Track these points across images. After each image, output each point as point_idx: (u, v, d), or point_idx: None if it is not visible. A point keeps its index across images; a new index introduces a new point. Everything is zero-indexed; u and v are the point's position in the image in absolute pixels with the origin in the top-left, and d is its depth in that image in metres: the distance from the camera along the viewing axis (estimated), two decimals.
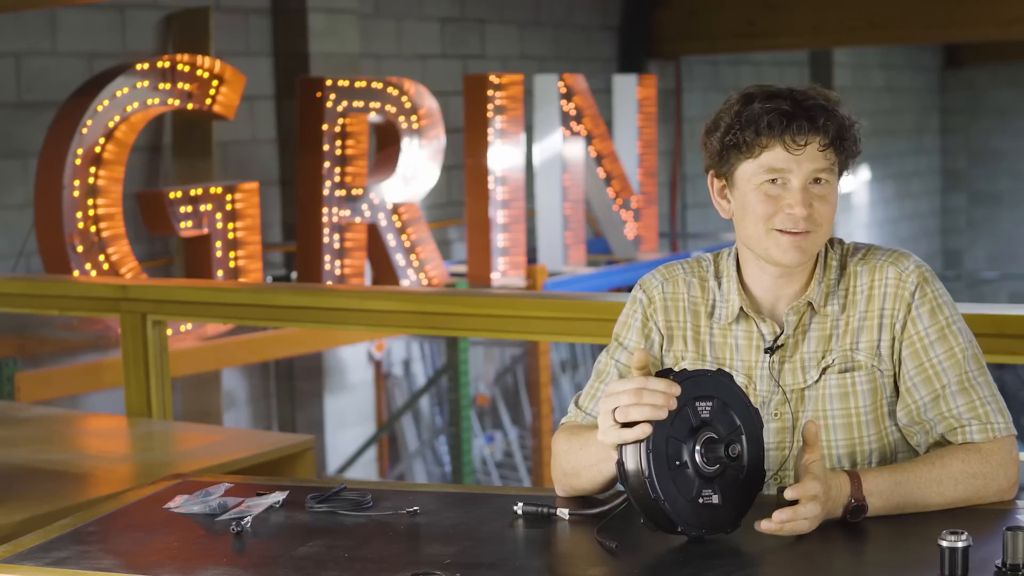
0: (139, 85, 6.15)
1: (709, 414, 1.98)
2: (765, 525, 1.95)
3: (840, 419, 2.18)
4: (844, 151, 2.15)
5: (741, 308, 2.21)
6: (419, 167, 7.24)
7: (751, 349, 2.22)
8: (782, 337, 2.20)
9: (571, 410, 2.35)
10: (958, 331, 2.17)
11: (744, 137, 2.13)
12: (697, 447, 1.96)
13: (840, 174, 2.18)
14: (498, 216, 7.40)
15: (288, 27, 7.52)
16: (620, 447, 1.96)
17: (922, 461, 2.10)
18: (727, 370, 2.15)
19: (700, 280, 2.28)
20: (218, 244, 6.43)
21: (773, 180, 2.13)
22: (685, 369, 2.02)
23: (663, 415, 1.93)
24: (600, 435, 1.99)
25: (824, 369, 2.18)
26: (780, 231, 2.13)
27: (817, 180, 2.13)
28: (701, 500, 1.96)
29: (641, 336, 2.29)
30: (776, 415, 2.20)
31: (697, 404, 1.97)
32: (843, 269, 2.21)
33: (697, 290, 2.27)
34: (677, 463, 1.95)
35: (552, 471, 2.28)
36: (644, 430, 1.93)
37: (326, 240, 6.80)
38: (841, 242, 2.26)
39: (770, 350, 2.20)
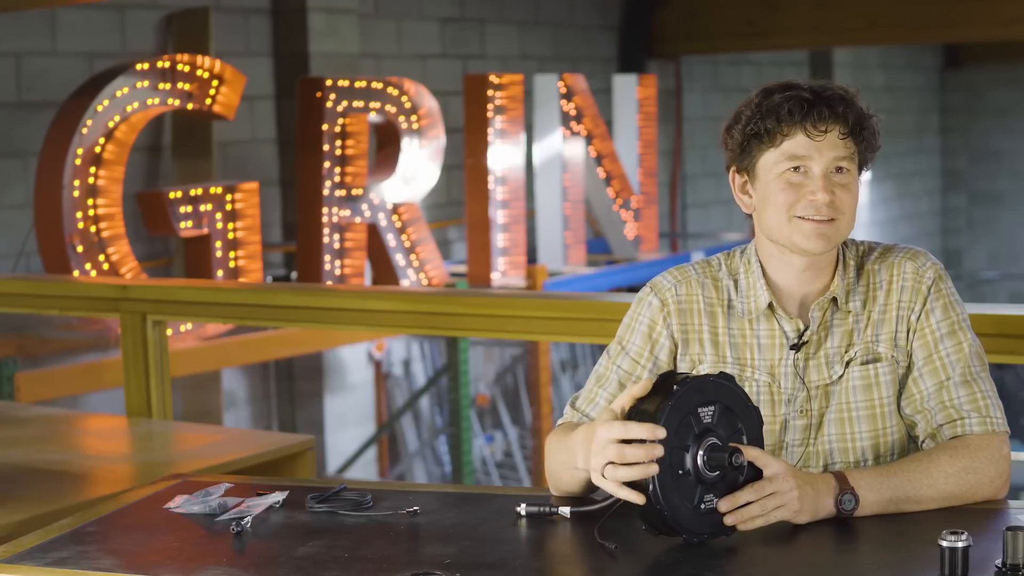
0: (139, 85, 6.15)
1: (712, 419, 1.98)
2: (729, 519, 1.97)
3: (864, 411, 2.19)
4: (864, 141, 2.16)
5: (770, 303, 2.21)
6: (419, 167, 7.23)
7: (774, 347, 2.21)
8: (807, 334, 2.20)
9: (567, 411, 2.34)
10: (967, 328, 2.21)
11: (765, 126, 2.14)
12: (700, 453, 1.96)
13: (861, 168, 2.19)
14: (498, 216, 7.39)
15: (288, 27, 7.52)
16: None
17: (909, 458, 2.12)
18: (748, 369, 2.17)
19: (713, 280, 2.27)
20: (218, 244, 6.43)
21: (795, 168, 2.14)
22: (687, 375, 2.00)
23: (654, 469, 1.92)
24: (599, 483, 1.99)
25: (848, 363, 2.19)
26: (802, 218, 2.14)
27: (839, 169, 2.15)
28: (703, 506, 1.96)
29: (647, 341, 2.27)
30: (802, 412, 2.20)
31: (699, 410, 1.97)
32: (860, 268, 2.23)
33: (712, 291, 2.27)
34: (680, 472, 1.95)
35: (545, 470, 2.29)
36: (646, 472, 1.93)
37: (326, 240, 6.80)
38: (856, 242, 2.27)
39: (796, 347, 2.20)
